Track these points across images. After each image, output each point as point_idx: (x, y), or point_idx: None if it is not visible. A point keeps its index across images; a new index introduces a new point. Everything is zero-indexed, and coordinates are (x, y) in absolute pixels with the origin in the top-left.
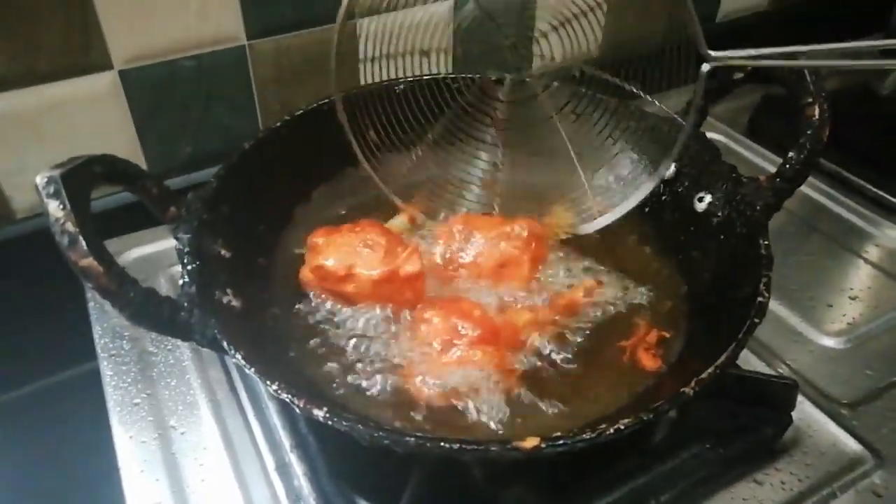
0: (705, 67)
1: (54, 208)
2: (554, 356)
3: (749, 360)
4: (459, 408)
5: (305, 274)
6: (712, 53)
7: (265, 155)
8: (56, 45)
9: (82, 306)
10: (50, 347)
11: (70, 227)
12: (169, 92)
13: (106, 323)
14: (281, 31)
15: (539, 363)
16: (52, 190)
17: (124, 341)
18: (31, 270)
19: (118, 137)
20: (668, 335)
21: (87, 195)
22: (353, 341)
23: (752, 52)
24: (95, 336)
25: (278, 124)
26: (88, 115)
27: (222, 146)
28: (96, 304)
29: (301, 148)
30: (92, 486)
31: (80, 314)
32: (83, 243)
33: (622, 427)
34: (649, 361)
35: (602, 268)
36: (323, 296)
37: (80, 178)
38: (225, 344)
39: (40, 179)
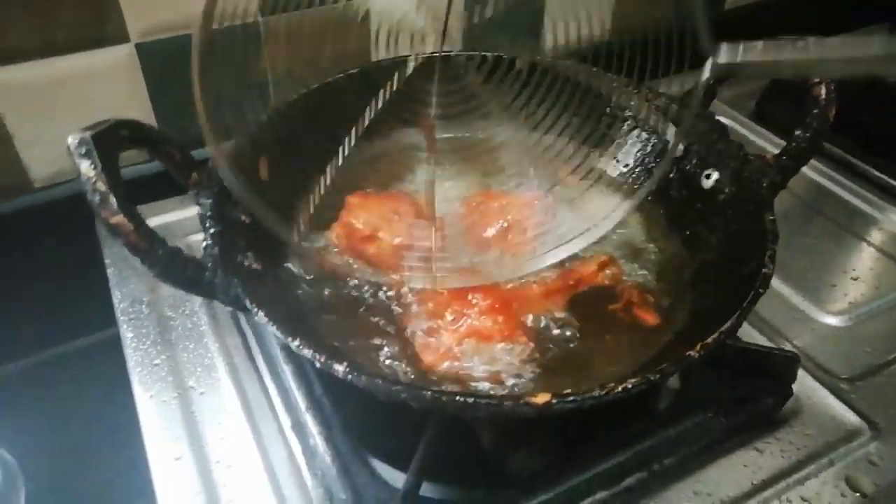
0: (708, 68)
1: (86, 167)
2: (563, 327)
3: (753, 336)
4: (469, 374)
5: (335, 229)
6: (722, 51)
7: (282, 126)
8: (74, 18)
9: (101, 273)
10: (70, 313)
11: (101, 185)
12: (183, 65)
13: (125, 288)
14: (293, 8)
15: (549, 333)
16: (83, 150)
17: (143, 306)
18: (49, 239)
19: (133, 110)
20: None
21: (115, 156)
22: (366, 307)
23: (760, 46)
24: (115, 301)
25: (294, 97)
26: (105, 87)
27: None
28: (115, 270)
29: (316, 121)
30: (115, 444)
31: (99, 281)
32: (114, 201)
33: (629, 386)
34: (649, 317)
35: (612, 241)
36: (345, 257)
37: (108, 139)
38: (247, 302)
39: (72, 140)
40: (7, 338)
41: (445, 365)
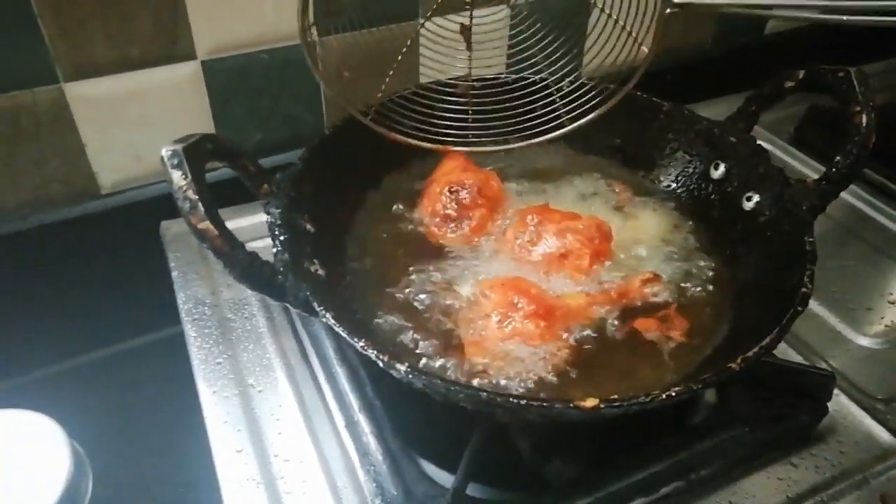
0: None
1: (177, 177)
2: (604, 337)
3: (790, 355)
4: (511, 379)
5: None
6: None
7: (341, 142)
8: (148, 36)
9: (165, 275)
10: (136, 312)
11: (191, 194)
12: (244, 83)
13: (189, 290)
14: (347, 29)
15: (589, 342)
16: (175, 161)
17: (206, 307)
18: (115, 242)
19: (196, 123)
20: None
21: (203, 167)
22: (417, 311)
23: None
24: (179, 302)
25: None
26: (171, 101)
27: (289, 135)
28: (179, 274)
29: (373, 138)
30: (179, 436)
31: (163, 282)
32: (202, 209)
33: (673, 393)
34: (676, 333)
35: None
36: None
37: (196, 152)
38: (315, 305)
39: (165, 152)
40: (77, 333)
41: (488, 363)
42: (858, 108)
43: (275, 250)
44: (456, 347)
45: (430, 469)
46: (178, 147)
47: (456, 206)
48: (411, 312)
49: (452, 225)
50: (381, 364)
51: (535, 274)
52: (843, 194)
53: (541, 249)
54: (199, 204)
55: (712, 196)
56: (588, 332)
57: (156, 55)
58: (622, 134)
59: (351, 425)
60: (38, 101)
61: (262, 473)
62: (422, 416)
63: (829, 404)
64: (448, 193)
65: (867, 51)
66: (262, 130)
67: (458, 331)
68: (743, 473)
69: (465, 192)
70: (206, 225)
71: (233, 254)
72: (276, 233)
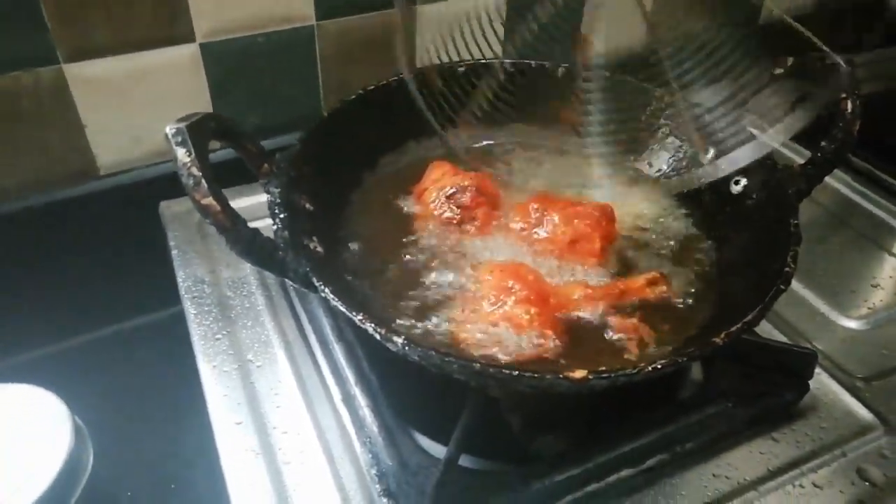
0: None
1: (182, 154)
2: (594, 326)
3: (775, 336)
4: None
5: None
6: None
7: (339, 124)
8: (147, 18)
9: (166, 255)
10: (136, 291)
11: (195, 170)
12: (242, 65)
13: (188, 269)
14: (346, 13)
15: (580, 334)
16: (179, 139)
17: (205, 285)
18: (115, 222)
19: (195, 104)
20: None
21: (206, 145)
22: (413, 293)
23: None
24: (179, 280)
25: (352, 97)
26: (170, 82)
27: (286, 118)
28: (179, 252)
29: (370, 120)
30: (179, 411)
31: (162, 262)
32: (205, 185)
33: (659, 366)
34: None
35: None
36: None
37: (200, 130)
38: (315, 280)
39: (170, 129)
40: (79, 312)
41: (477, 340)
42: (844, 95)
43: (275, 228)
44: (449, 327)
45: (424, 441)
46: (183, 125)
47: (457, 209)
48: (408, 290)
49: (456, 228)
50: (378, 337)
51: (546, 262)
52: (831, 181)
53: (549, 236)
54: (203, 180)
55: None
56: (577, 318)
57: (155, 37)
58: (615, 119)
59: (347, 399)
60: (38, 81)
61: (261, 444)
62: (416, 391)
63: (811, 382)
64: (446, 198)
65: (857, 41)
66: (260, 113)
67: (451, 311)
68: (726, 447)
69: (464, 194)
70: (210, 201)
71: (235, 229)
72: (276, 211)
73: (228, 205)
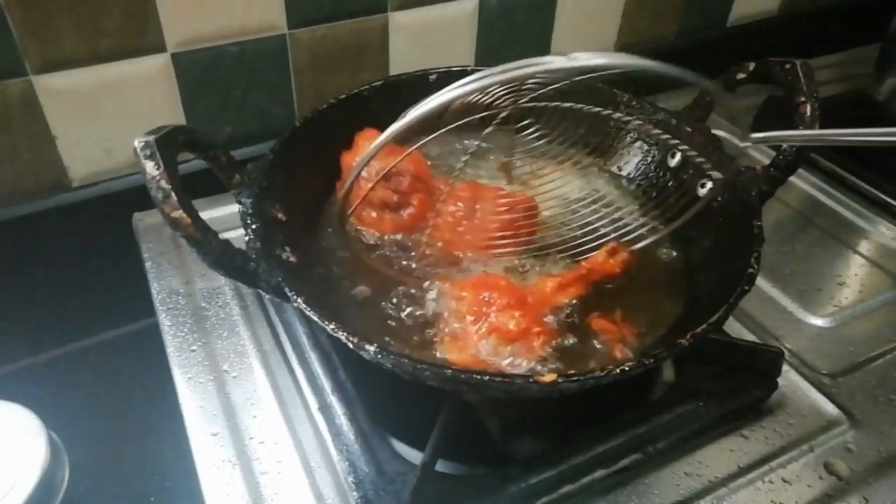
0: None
1: (150, 168)
2: (576, 321)
3: (743, 335)
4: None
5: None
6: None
7: (311, 133)
8: (117, 28)
9: (139, 267)
10: (110, 303)
11: (164, 183)
12: (214, 75)
13: (163, 280)
14: (318, 22)
15: (563, 326)
16: (148, 152)
17: (180, 297)
18: (87, 234)
19: (166, 115)
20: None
21: (175, 158)
22: (391, 303)
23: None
24: (153, 292)
25: (324, 106)
26: (141, 93)
27: (259, 127)
28: (153, 264)
29: (342, 129)
30: (155, 424)
31: (137, 274)
32: (175, 198)
33: (627, 368)
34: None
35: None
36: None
37: (169, 143)
38: (287, 290)
39: (138, 143)
40: (52, 326)
41: (469, 361)
42: (803, 99)
43: (247, 238)
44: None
45: (401, 448)
46: (151, 138)
47: (393, 194)
48: (380, 298)
49: (391, 213)
50: (350, 345)
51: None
52: (798, 182)
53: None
54: (172, 193)
55: (670, 183)
56: (559, 316)
57: (125, 48)
58: (583, 124)
59: (324, 408)
60: (7, 93)
61: (238, 455)
62: (393, 398)
63: (778, 380)
64: (384, 179)
65: (823, 43)
66: (233, 123)
67: (430, 332)
68: (697, 445)
69: (402, 178)
70: (180, 214)
71: (206, 241)
72: (248, 221)
73: (199, 217)
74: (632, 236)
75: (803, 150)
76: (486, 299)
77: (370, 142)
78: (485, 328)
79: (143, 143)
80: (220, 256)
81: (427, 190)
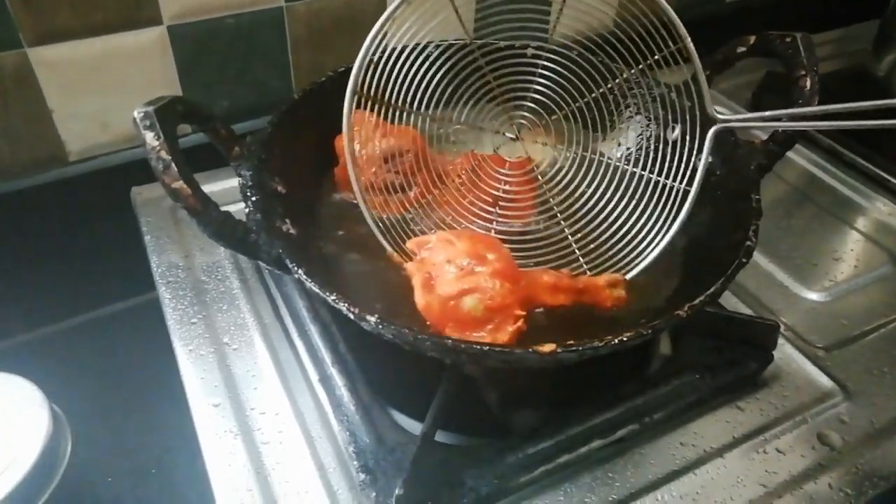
0: (712, 130)
1: (150, 138)
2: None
3: (739, 308)
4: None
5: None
6: (719, 116)
7: (310, 106)
8: (113, 1)
9: (138, 241)
10: (111, 278)
11: (164, 154)
12: (211, 48)
13: (162, 254)
14: None
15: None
16: (147, 123)
17: (179, 270)
18: (85, 208)
19: (163, 88)
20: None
21: (174, 129)
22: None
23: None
24: (153, 265)
25: (322, 79)
26: (137, 66)
27: (257, 101)
28: (152, 238)
29: (342, 103)
30: (157, 396)
31: (136, 248)
32: (175, 168)
33: (625, 338)
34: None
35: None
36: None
37: (168, 113)
38: (288, 262)
39: (137, 113)
40: (53, 300)
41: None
42: (803, 72)
43: (247, 211)
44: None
45: (401, 419)
46: (150, 108)
47: (396, 175)
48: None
49: (396, 194)
50: (351, 316)
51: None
52: (796, 158)
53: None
54: (173, 164)
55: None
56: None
57: (121, 20)
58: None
59: (324, 379)
60: (1, 66)
61: (239, 425)
62: (392, 369)
63: (774, 352)
64: (384, 161)
65: (823, 19)
66: (231, 96)
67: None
68: (693, 417)
69: (402, 158)
70: (180, 185)
71: (206, 212)
72: (248, 194)
73: (199, 188)
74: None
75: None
76: (482, 255)
77: (361, 124)
78: (468, 285)
79: (142, 114)
80: (220, 227)
81: (429, 167)
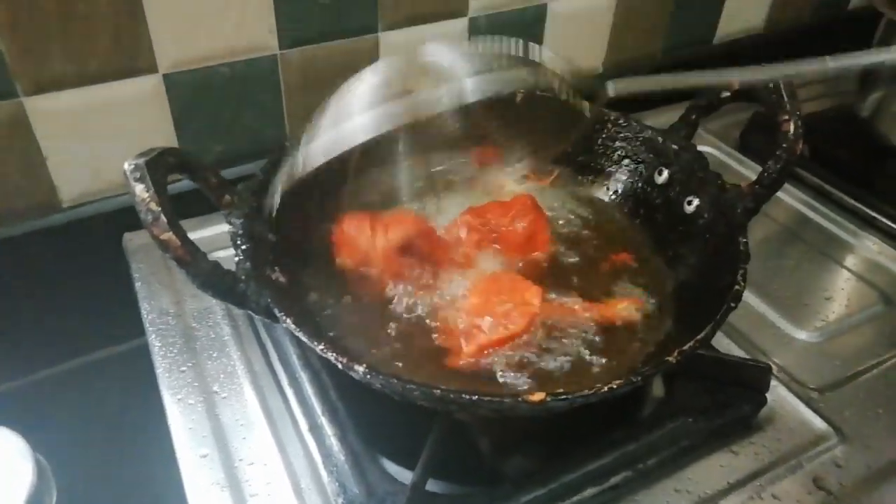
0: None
1: (140, 190)
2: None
3: (731, 349)
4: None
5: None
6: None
7: None
8: (108, 49)
9: (129, 287)
10: (99, 324)
11: (153, 206)
12: (206, 95)
13: (153, 301)
14: (309, 42)
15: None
16: (138, 175)
17: (170, 317)
18: (77, 254)
19: (158, 136)
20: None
21: (164, 180)
22: (387, 311)
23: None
24: (143, 313)
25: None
26: (133, 114)
27: (250, 147)
28: (143, 285)
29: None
30: (144, 446)
31: (126, 294)
32: (164, 220)
33: (615, 386)
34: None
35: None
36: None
37: (158, 165)
38: (276, 311)
39: (128, 166)
40: (40, 347)
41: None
42: (787, 117)
43: (237, 259)
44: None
45: (392, 468)
46: (141, 161)
47: (412, 265)
48: (375, 320)
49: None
50: (340, 366)
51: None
52: (784, 197)
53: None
54: (162, 215)
55: (657, 200)
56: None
57: (117, 69)
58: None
59: (314, 428)
60: None
61: (228, 477)
62: (384, 417)
63: (767, 395)
64: (397, 254)
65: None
66: (224, 142)
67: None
68: (687, 462)
69: (413, 243)
70: (169, 235)
71: (195, 263)
72: (238, 242)
73: (188, 238)
74: None
75: (788, 166)
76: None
77: (358, 230)
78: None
79: (133, 166)
80: (209, 277)
81: (440, 245)
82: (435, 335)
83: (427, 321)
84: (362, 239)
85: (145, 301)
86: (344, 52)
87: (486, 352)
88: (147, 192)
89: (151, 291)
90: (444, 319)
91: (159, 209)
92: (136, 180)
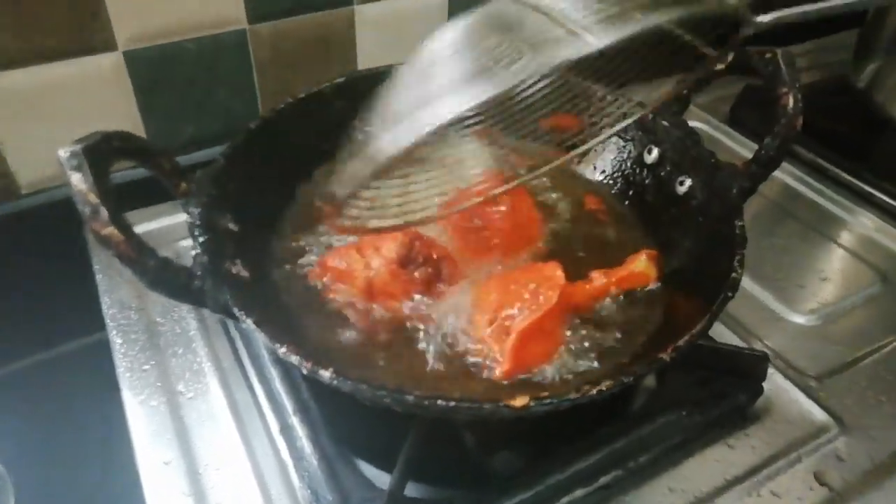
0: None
1: (77, 180)
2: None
3: (725, 336)
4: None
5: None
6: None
7: (269, 135)
8: (62, 25)
9: (89, 278)
10: (58, 318)
11: (92, 198)
12: (171, 73)
13: (114, 294)
14: (280, 16)
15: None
16: (75, 163)
17: (132, 311)
18: (36, 244)
19: (121, 117)
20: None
21: (106, 168)
22: (356, 307)
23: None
24: (104, 307)
25: (281, 106)
26: (92, 94)
27: (223, 127)
28: (104, 277)
29: (303, 129)
30: (104, 449)
31: (87, 286)
32: (104, 213)
33: (603, 388)
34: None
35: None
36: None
37: (100, 152)
38: (236, 310)
39: (63, 153)
40: None
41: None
42: (785, 90)
43: (193, 253)
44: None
45: (369, 470)
46: (78, 147)
47: (417, 278)
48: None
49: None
50: (304, 371)
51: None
52: (777, 172)
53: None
54: (102, 208)
55: (647, 181)
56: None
57: (73, 46)
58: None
59: (285, 429)
60: None
61: (192, 485)
62: (359, 417)
63: (764, 384)
64: (399, 267)
65: (798, 31)
66: (195, 123)
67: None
68: (681, 458)
69: (416, 252)
70: (111, 231)
71: (141, 260)
72: (196, 234)
73: (133, 234)
74: None
75: (787, 143)
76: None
77: (347, 260)
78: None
79: (68, 153)
80: (159, 275)
81: (436, 246)
82: (467, 349)
83: (456, 342)
84: (356, 267)
85: (106, 294)
86: (317, 25)
87: (526, 346)
88: (84, 182)
89: (113, 284)
90: (469, 331)
91: (99, 201)
92: (73, 169)
